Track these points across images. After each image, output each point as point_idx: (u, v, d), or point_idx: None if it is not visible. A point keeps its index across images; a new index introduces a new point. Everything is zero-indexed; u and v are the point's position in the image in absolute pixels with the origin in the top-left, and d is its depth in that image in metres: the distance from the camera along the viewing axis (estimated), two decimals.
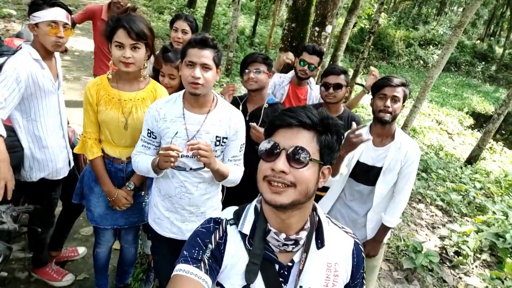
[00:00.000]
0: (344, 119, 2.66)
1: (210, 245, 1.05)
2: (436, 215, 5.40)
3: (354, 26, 12.52)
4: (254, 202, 1.13)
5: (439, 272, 3.83)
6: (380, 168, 2.26)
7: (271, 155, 0.98)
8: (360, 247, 1.16)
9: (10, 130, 2.01)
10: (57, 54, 2.25)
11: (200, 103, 1.80)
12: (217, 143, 1.83)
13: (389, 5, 27.23)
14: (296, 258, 1.07)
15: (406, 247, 4.12)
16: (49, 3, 1.97)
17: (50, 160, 2.22)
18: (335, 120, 1.02)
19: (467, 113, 17.05)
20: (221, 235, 1.08)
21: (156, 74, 2.49)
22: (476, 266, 4.14)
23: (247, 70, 2.44)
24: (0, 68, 1.92)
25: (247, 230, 1.07)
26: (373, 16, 11.08)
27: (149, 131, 1.86)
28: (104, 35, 1.88)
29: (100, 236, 2.29)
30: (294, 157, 0.96)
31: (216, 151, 1.85)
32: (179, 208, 1.92)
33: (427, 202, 5.78)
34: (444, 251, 4.35)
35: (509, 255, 4.22)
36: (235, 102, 2.59)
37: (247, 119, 2.42)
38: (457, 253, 4.31)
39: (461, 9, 34.74)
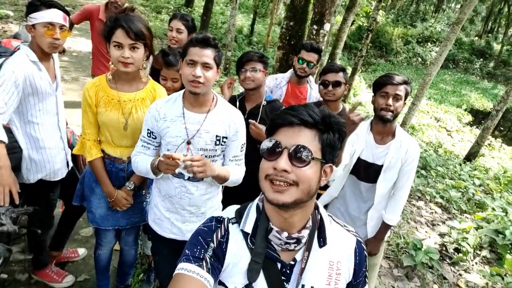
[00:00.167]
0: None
1: (212, 244, 1.05)
2: (435, 212, 5.42)
3: (352, 24, 12.52)
4: (256, 201, 1.13)
5: (439, 269, 3.84)
6: (380, 166, 2.26)
7: (273, 153, 0.98)
8: (362, 245, 1.16)
9: (8, 131, 2.00)
10: (55, 55, 2.24)
11: (200, 103, 1.80)
12: (217, 142, 1.83)
13: (387, 2, 27.28)
14: (298, 256, 1.07)
15: (406, 245, 4.12)
16: (46, 4, 1.96)
17: (48, 161, 2.21)
18: (337, 118, 1.02)
19: (465, 110, 17.10)
20: (223, 233, 1.08)
21: (154, 73, 2.49)
22: (476, 263, 4.15)
23: (243, 69, 2.43)
24: None
25: (249, 228, 1.06)
26: (371, 14, 11.09)
27: (149, 131, 1.86)
28: (103, 35, 1.86)
29: (101, 237, 2.29)
30: (296, 156, 0.95)
31: (216, 150, 1.85)
32: (179, 208, 1.92)
33: (427, 199, 5.79)
34: (444, 248, 4.36)
35: (508, 252, 4.24)
36: (232, 100, 2.58)
37: (245, 117, 2.42)
38: (457, 250, 4.32)
39: (458, 6, 34.80)
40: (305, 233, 1.05)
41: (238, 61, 2.49)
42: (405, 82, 2.16)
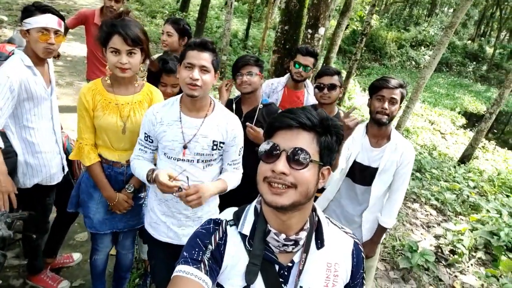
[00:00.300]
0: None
1: (210, 246, 1.05)
2: (431, 214, 5.44)
3: (346, 28, 12.63)
4: (254, 203, 1.13)
5: (435, 271, 3.86)
6: (376, 169, 2.28)
7: (271, 156, 0.98)
8: (360, 247, 1.16)
9: (3, 136, 2.00)
10: (49, 59, 2.24)
11: (198, 107, 1.80)
12: (214, 147, 1.83)
13: (381, 7, 27.51)
14: (296, 258, 1.07)
15: (402, 247, 4.13)
16: (40, 9, 1.96)
17: (44, 165, 2.19)
18: (335, 121, 1.03)
19: (459, 113, 17.24)
20: (221, 236, 1.08)
21: (151, 77, 2.50)
22: (471, 264, 4.17)
23: (239, 74, 2.43)
24: None
25: (247, 231, 1.07)
26: (365, 18, 11.17)
27: (146, 135, 1.86)
28: (99, 40, 1.86)
29: (98, 242, 2.26)
30: (294, 158, 0.96)
31: (213, 155, 1.85)
32: (175, 212, 1.92)
33: (422, 201, 5.81)
34: (439, 250, 4.38)
35: (503, 253, 4.27)
36: (228, 103, 2.58)
37: (242, 120, 2.43)
38: (452, 252, 4.34)
39: (451, 10, 35.16)
40: (303, 235, 1.05)
41: (234, 65, 2.49)
42: (401, 86, 2.18)
